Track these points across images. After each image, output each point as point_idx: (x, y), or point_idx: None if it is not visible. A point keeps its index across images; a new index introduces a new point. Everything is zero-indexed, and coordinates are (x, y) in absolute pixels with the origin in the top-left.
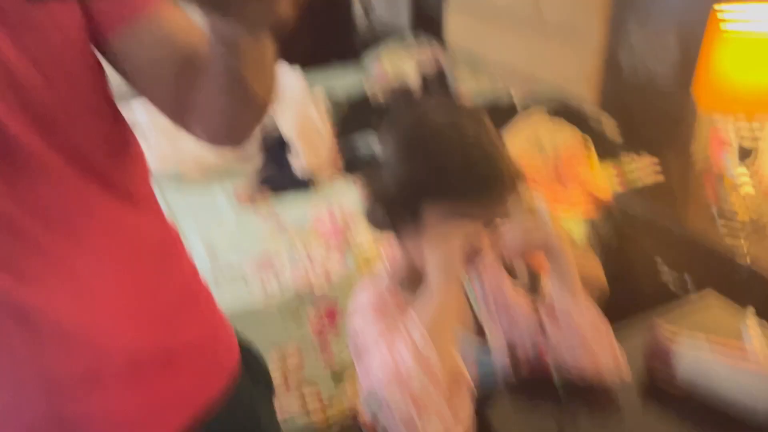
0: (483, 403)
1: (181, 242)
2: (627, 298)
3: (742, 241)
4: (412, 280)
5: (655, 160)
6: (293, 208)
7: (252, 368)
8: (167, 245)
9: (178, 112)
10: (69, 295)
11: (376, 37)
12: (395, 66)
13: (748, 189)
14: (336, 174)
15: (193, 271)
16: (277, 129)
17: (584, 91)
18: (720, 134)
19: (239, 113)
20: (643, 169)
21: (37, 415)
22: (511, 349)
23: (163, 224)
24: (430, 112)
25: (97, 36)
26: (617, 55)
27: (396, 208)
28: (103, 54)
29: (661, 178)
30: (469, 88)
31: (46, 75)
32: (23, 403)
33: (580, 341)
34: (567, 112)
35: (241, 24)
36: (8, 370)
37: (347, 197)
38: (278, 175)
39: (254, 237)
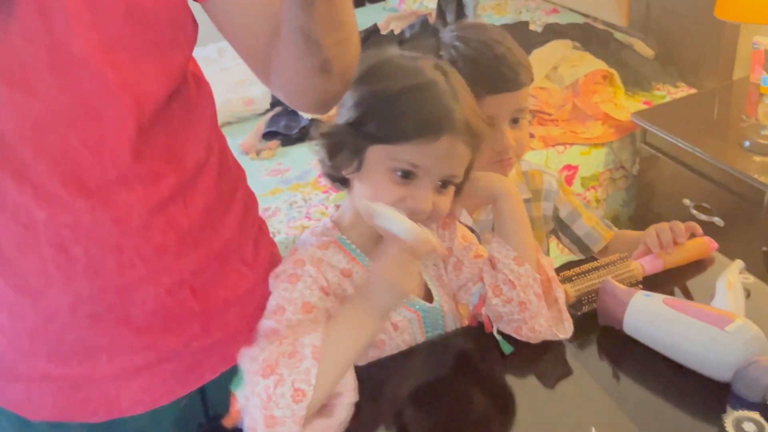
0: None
1: (240, 185)
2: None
3: None
4: (358, 228)
5: (693, 91)
6: (298, 160)
7: None
8: (219, 194)
9: (265, 72)
10: (109, 234)
11: None
12: (418, 0)
13: None
14: None
15: (244, 217)
16: None
17: (613, 12)
18: (760, 48)
19: (315, 80)
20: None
21: (64, 336)
22: (455, 294)
23: (218, 170)
24: (396, 52)
25: None
26: None
27: (342, 149)
28: (203, 6)
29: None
30: (488, 18)
31: (130, 10)
32: (51, 324)
33: (517, 306)
34: (596, 41)
35: None
36: (40, 293)
37: None
38: (286, 126)
39: (255, 191)
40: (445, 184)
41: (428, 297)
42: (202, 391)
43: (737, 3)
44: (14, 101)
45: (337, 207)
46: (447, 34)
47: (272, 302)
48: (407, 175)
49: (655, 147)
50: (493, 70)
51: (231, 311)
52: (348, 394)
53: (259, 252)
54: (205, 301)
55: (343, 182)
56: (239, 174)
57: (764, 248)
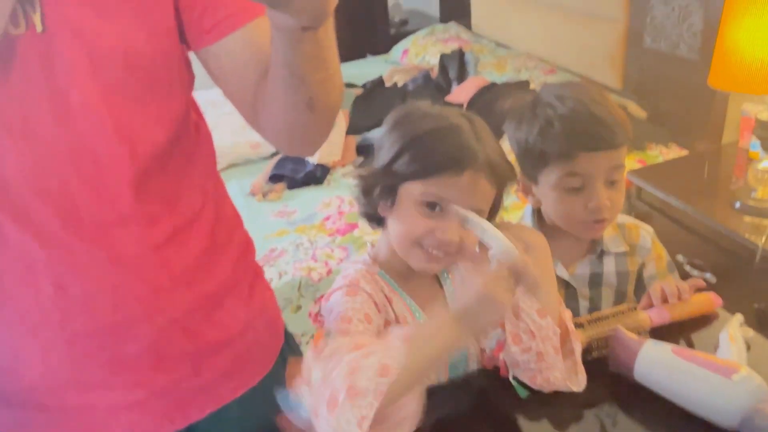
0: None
1: (236, 229)
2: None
3: (764, 238)
4: (393, 264)
5: (685, 152)
6: (304, 203)
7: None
8: (215, 238)
9: (254, 114)
10: (106, 273)
11: (407, 31)
12: (420, 54)
13: None
14: (349, 165)
15: (240, 259)
16: None
17: (608, 75)
18: (749, 115)
19: (301, 118)
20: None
21: (60, 370)
22: (476, 339)
23: (215, 214)
24: (425, 103)
25: (189, 44)
26: (641, 36)
27: (377, 189)
28: (195, 53)
29: (683, 161)
30: (489, 75)
31: (128, 59)
32: (48, 358)
33: (535, 356)
34: None
35: (292, 15)
36: (39, 329)
37: None
38: (292, 169)
39: (262, 233)
40: None
41: None
42: (190, 429)
43: (729, 74)
44: (16, 147)
45: (372, 245)
46: (545, 92)
47: (333, 313)
48: (434, 208)
49: (649, 204)
50: (588, 128)
51: (222, 352)
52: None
53: (253, 296)
54: (196, 341)
55: (378, 221)
56: (236, 219)
57: (756, 305)
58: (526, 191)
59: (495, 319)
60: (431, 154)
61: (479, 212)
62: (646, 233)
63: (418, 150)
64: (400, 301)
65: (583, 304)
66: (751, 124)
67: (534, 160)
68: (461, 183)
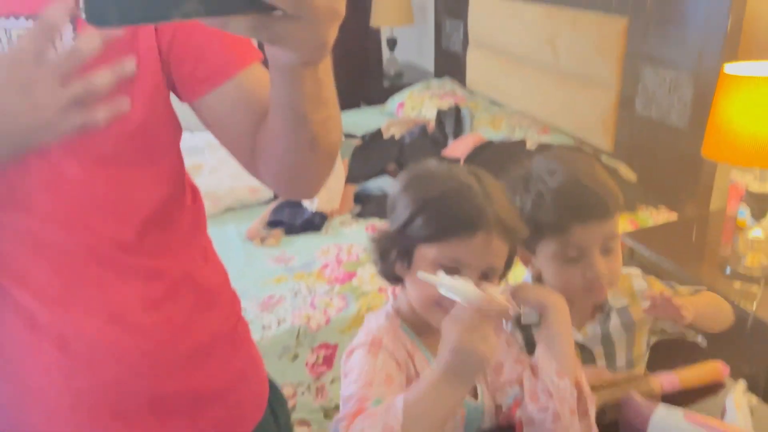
0: None
1: (225, 283)
2: None
3: (755, 304)
4: (414, 318)
5: (674, 214)
6: (302, 250)
7: (276, 413)
8: (208, 291)
9: (252, 159)
10: (108, 332)
11: (402, 84)
12: (416, 108)
13: (761, 238)
14: (347, 214)
15: (230, 312)
16: None
17: (600, 138)
18: (737, 184)
19: (302, 158)
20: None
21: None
22: (492, 395)
23: (208, 269)
24: (435, 163)
25: (181, 96)
26: (632, 102)
27: (393, 252)
28: (190, 104)
29: (674, 225)
30: (485, 132)
31: (122, 129)
32: (51, 421)
33: (551, 416)
34: None
35: (292, 49)
36: (43, 391)
37: (357, 240)
38: (290, 215)
39: (260, 278)
40: (486, 275)
41: (472, 392)
42: None
43: (722, 146)
44: (9, 221)
45: (395, 295)
46: (536, 166)
47: (354, 373)
48: (450, 270)
49: (642, 266)
50: (579, 200)
51: (217, 402)
52: None
53: (242, 346)
54: (193, 392)
55: (397, 280)
56: (224, 273)
57: (746, 368)
58: (525, 261)
59: (478, 369)
60: (443, 218)
61: (494, 270)
62: (636, 278)
63: (429, 214)
64: (421, 356)
65: (600, 363)
66: (738, 191)
67: (530, 233)
68: (474, 244)
